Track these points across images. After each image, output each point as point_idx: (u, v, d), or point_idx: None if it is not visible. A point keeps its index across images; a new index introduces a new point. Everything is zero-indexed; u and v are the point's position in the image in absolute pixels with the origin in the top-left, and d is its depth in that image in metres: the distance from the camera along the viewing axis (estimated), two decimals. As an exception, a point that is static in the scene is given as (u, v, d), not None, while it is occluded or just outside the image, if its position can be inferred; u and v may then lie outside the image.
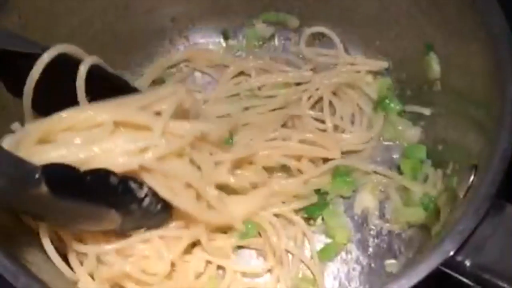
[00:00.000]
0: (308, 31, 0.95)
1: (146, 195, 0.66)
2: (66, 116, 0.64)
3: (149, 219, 0.69)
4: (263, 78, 0.92)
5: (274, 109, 0.88)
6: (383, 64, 0.91)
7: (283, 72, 0.93)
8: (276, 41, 0.98)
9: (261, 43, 0.98)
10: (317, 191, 0.82)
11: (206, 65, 0.95)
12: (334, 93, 0.90)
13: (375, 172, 0.84)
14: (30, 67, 0.63)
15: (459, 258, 0.56)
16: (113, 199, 0.62)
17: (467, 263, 0.56)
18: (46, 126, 0.64)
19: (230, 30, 0.98)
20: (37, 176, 0.53)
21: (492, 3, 0.68)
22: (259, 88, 0.91)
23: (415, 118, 0.87)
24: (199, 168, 0.72)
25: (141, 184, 0.65)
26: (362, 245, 0.81)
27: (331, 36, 0.94)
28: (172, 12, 0.94)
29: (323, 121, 0.88)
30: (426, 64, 0.82)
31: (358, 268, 0.80)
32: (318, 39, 0.96)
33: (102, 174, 0.61)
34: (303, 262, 0.79)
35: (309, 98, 0.89)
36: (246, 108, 0.89)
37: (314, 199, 0.81)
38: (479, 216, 0.56)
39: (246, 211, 0.76)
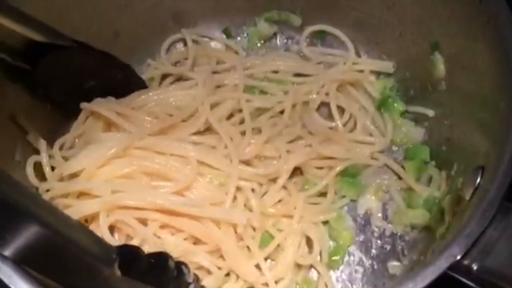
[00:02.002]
0: (310, 29, 0.95)
1: (193, 280, 0.67)
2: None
3: None
4: (272, 67, 0.91)
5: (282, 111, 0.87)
6: (387, 65, 0.90)
7: (292, 64, 0.92)
8: (278, 40, 0.98)
9: (263, 41, 0.97)
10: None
11: (207, 62, 0.94)
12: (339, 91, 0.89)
13: (386, 165, 0.84)
14: (61, 58, 0.68)
15: (466, 262, 0.55)
16: (167, 282, 0.62)
17: (474, 267, 0.55)
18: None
19: (232, 29, 0.97)
20: (114, 256, 0.52)
21: (499, 1, 0.67)
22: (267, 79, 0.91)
23: (419, 119, 0.87)
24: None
25: (189, 269, 0.66)
26: (365, 246, 0.81)
27: (337, 34, 0.93)
28: (174, 10, 0.94)
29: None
30: (431, 63, 0.81)
31: (361, 270, 0.79)
32: (320, 38, 0.95)
33: (163, 257, 0.62)
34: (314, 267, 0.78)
35: (317, 93, 0.88)
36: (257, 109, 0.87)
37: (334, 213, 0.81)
38: (486, 219, 0.56)
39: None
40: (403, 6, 0.83)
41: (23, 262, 0.48)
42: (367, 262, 0.79)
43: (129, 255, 0.56)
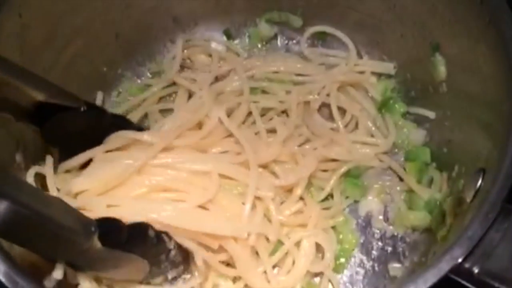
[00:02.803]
0: (311, 30, 0.94)
1: (174, 247, 0.70)
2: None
3: (170, 269, 0.72)
4: (273, 68, 0.91)
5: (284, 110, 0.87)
6: (388, 66, 0.90)
7: (293, 65, 0.92)
8: (279, 41, 0.98)
9: (263, 43, 0.97)
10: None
11: (208, 64, 0.94)
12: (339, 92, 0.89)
13: (390, 168, 0.84)
14: (69, 120, 0.68)
15: (467, 265, 0.55)
16: (147, 250, 0.66)
17: (475, 270, 0.55)
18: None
19: (233, 30, 0.97)
20: (93, 229, 0.57)
21: (500, 2, 0.67)
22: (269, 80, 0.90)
23: (420, 120, 0.86)
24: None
25: (170, 237, 0.70)
26: (366, 248, 0.80)
27: (338, 35, 0.93)
28: (175, 11, 0.93)
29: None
30: (432, 65, 0.81)
31: (362, 271, 0.79)
32: (321, 39, 0.95)
33: (142, 227, 0.66)
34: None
35: (318, 94, 0.88)
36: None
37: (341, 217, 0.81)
38: (488, 222, 0.55)
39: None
40: (404, 7, 0.82)
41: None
42: (368, 264, 0.79)
43: (108, 227, 0.60)
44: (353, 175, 0.83)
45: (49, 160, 0.75)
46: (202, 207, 0.72)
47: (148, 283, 0.72)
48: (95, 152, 0.75)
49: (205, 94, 0.84)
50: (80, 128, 0.70)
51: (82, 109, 0.69)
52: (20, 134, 0.74)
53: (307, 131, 0.84)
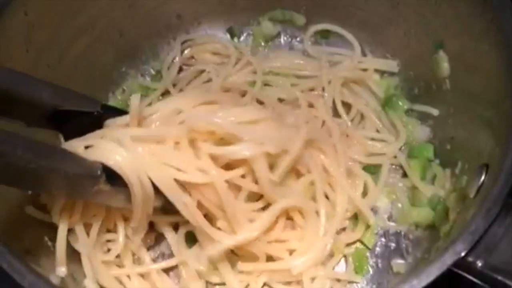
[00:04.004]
0: (314, 28, 0.95)
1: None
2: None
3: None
4: (277, 64, 0.92)
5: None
6: (392, 64, 0.91)
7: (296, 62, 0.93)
8: (282, 39, 0.98)
9: (267, 41, 0.98)
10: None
11: (212, 62, 0.95)
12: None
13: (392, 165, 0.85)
14: (87, 123, 0.69)
15: (470, 259, 0.56)
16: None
17: (479, 263, 0.56)
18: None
19: (236, 28, 0.98)
20: (99, 172, 0.62)
21: (503, 0, 0.67)
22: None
23: (423, 117, 0.87)
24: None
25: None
26: (370, 244, 0.80)
27: (341, 33, 0.94)
28: (178, 9, 0.94)
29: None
30: (435, 62, 0.81)
31: (365, 267, 0.79)
32: (324, 37, 0.96)
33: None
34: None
35: (323, 89, 0.89)
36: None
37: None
38: (491, 216, 0.56)
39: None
40: (408, 5, 0.83)
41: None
42: (371, 260, 0.79)
43: (109, 168, 0.64)
44: (369, 171, 0.83)
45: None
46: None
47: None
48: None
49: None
50: (99, 128, 0.70)
51: (96, 112, 0.70)
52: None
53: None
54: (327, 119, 0.84)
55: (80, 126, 0.69)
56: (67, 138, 0.70)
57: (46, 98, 0.66)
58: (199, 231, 0.73)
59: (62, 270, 0.67)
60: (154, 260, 0.78)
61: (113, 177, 0.64)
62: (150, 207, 0.68)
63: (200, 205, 0.70)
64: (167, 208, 0.70)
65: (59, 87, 0.69)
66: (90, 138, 0.67)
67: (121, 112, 0.72)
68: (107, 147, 0.65)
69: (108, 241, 0.76)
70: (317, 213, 0.76)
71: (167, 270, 0.77)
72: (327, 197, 0.78)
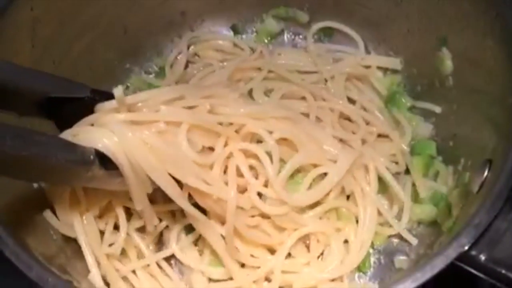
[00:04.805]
0: (318, 26, 0.95)
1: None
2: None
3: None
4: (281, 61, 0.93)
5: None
6: (395, 62, 0.91)
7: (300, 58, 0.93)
8: (286, 37, 0.98)
9: (270, 38, 0.98)
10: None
11: (216, 58, 0.95)
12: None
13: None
14: (79, 110, 0.68)
15: (474, 253, 0.56)
16: None
17: (482, 257, 0.56)
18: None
19: (240, 25, 0.98)
20: (91, 157, 0.62)
21: (507, -4, 0.68)
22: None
23: (426, 115, 0.87)
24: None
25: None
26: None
27: (345, 30, 0.94)
28: (182, 6, 0.94)
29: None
30: (438, 59, 0.81)
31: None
32: (327, 35, 0.96)
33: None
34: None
35: (325, 82, 0.89)
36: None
37: None
38: (494, 210, 0.56)
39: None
40: (411, 2, 0.83)
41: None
42: (374, 257, 0.79)
43: (101, 153, 0.63)
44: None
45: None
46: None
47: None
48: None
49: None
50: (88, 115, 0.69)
51: (87, 97, 0.69)
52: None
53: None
54: (344, 109, 0.84)
55: (72, 113, 0.68)
56: (60, 126, 0.69)
57: (35, 86, 0.66)
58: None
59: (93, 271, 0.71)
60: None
61: (106, 161, 0.63)
62: (148, 187, 0.67)
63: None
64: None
65: (47, 74, 0.69)
66: (81, 124, 0.67)
67: (112, 96, 0.70)
68: (95, 131, 0.64)
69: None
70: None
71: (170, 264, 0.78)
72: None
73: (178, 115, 0.68)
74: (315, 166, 0.76)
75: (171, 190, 0.67)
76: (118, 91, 0.64)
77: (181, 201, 0.68)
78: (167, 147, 0.66)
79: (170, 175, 0.66)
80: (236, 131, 0.73)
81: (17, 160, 0.56)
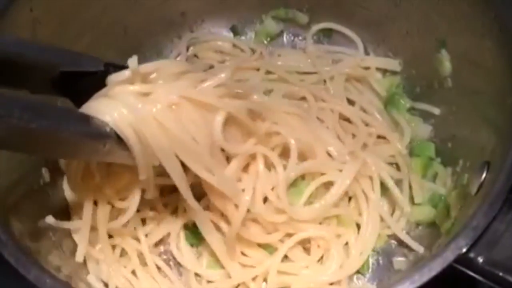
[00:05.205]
0: (317, 27, 0.95)
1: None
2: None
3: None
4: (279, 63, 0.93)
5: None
6: (394, 63, 0.91)
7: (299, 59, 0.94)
8: (285, 38, 0.98)
9: (269, 39, 0.98)
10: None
11: (215, 59, 0.95)
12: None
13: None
14: (92, 85, 0.64)
15: (472, 255, 0.56)
16: None
17: (480, 259, 0.56)
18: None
19: (239, 26, 0.98)
20: (108, 129, 0.59)
21: (505, -2, 0.68)
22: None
23: (425, 116, 0.87)
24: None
25: None
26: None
27: (344, 32, 0.94)
28: (182, 7, 0.94)
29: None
30: (437, 61, 0.81)
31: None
32: (327, 36, 0.96)
33: None
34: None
35: (325, 83, 0.90)
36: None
37: None
38: (492, 212, 0.56)
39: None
40: (410, 3, 0.83)
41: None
42: (373, 258, 0.79)
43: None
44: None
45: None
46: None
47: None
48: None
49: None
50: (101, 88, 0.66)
51: (100, 71, 0.65)
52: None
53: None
54: (344, 111, 0.84)
55: (87, 89, 0.64)
56: (77, 104, 0.66)
57: (45, 60, 0.63)
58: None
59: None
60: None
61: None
62: (155, 160, 0.63)
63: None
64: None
65: (58, 47, 0.66)
66: (93, 98, 0.63)
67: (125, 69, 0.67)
68: (103, 102, 0.61)
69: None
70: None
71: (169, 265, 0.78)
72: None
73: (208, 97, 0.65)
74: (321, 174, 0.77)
75: (176, 174, 0.64)
76: (133, 61, 0.62)
77: (184, 189, 0.66)
78: (177, 126, 0.62)
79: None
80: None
81: (27, 133, 0.54)
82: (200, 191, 0.71)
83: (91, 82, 0.65)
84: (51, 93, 0.66)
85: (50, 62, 0.63)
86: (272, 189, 0.73)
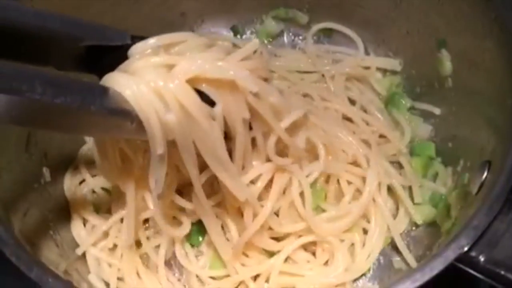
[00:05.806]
0: (317, 27, 0.95)
1: None
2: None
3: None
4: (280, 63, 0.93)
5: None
6: (395, 63, 0.91)
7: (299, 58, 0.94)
8: (285, 38, 0.99)
9: (270, 39, 0.98)
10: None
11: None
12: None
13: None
14: (119, 60, 0.61)
15: (473, 254, 0.56)
16: None
17: (481, 258, 0.56)
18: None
19: (240, 26, 0.98)
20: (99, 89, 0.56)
21: (506, -2, 0.68)
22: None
23: (425, 116, 0.87)
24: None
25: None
26: (371, 241, 0.81)
27: (344, 31, 0.94)
28: (182, 7, 0.94)
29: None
30: (438, 61, 0.82)
31: (366, 264, 0.79)
32: (327, 36, 0.96)
33: None
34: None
35: (323, 76, 0.90)
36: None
37: None
38: (493, 212, 0.56)
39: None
40: (411, 4, 0.83)
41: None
42: (373, 257, 0.80)
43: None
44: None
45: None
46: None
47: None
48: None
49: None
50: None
51: (126, 45, 0.61)
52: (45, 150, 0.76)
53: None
54: (346, 110, 0.85)
55: (114, 64, 0.61)
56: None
57: (70, 33, 0.59)
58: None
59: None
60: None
61: None
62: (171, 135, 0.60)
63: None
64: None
65: (82, 20, 0.62)
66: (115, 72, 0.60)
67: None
68: (122, 78, 0.57)
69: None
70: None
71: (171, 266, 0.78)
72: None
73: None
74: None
75: (191, 165, 0.62)
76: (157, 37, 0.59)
77: (196, 180, 0.64)
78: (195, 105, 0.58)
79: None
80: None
81: (50, 108, 0.51)
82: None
83: (118, 58, 0.61)
84: (77, 69, 0.63)
85: (73, 35, 0.60)
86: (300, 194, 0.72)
